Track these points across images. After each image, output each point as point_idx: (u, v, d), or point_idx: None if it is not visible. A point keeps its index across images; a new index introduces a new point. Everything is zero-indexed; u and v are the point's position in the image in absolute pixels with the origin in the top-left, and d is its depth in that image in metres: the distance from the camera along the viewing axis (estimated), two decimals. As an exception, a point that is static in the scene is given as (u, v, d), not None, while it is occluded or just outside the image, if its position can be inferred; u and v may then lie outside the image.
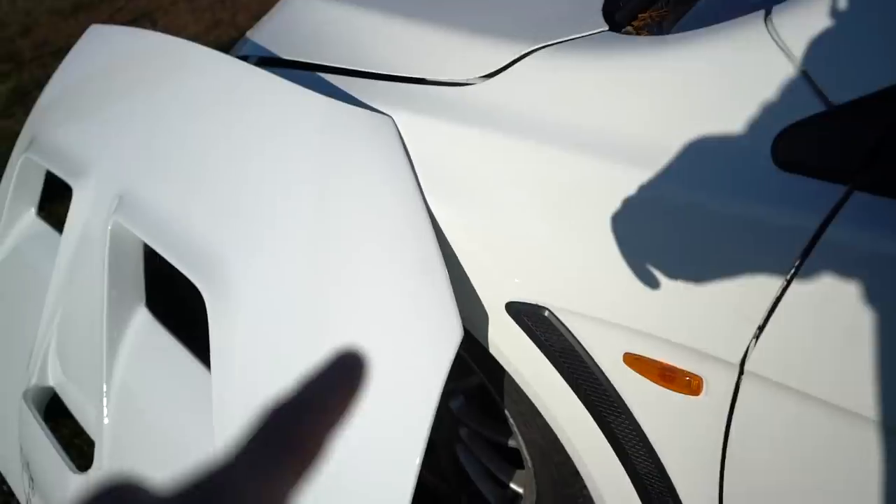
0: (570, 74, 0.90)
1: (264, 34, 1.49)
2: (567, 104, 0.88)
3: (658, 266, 0.82)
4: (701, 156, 0.78)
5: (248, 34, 1.57)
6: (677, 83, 0.81)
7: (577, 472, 1.15)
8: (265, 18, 1.58)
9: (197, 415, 1.17)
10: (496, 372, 1.12)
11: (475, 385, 1.26)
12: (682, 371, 0.84)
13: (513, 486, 1.35)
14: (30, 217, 1.78)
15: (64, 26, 4.63)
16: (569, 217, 0.88)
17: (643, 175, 0.82)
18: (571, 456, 1.06)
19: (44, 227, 1.75)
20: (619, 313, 0.86)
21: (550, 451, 1.14)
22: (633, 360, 0.88)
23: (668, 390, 0.86)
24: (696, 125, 0.78)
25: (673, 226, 0.80)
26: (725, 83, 0.77)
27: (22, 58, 4.36)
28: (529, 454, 1.19)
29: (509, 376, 1.10)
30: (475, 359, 1.14)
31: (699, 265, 0.78)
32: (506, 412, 1.17)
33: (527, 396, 1.07)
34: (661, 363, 0.85)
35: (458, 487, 1.45)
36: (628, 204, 0.83)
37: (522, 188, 0.91)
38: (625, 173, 0.82)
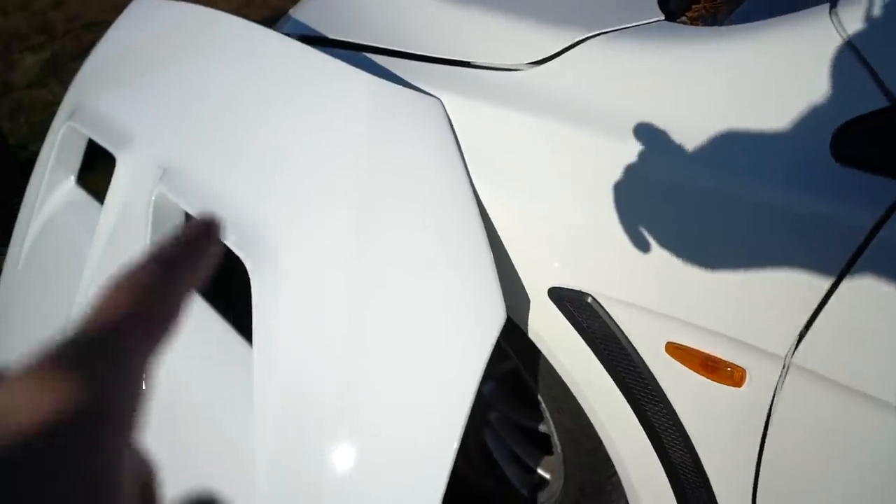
0: (628, 63, 0.90)
1: (307, 12, 1.50)
2: (623, 93, 0.88)
3: (707, 256, 0.82)
4: (758, 147, 0.78)
5: (291, 12, 1.58)
6: (737, 74, 0.81)
7: (606, 459, 1.16)
8: (307, -3, 1.58)
9: (235, 388, 1.19)
10: (531, 357, 1.13)
11: (508, 370, 1.27)
12: (725, 362, 0.84)
13: (540, 471, 1.36)
14: (69, 185, 1.80)
15: (95, 0, 4.66)
16: (617, 204, 0.88)
17: (698, 166, 0.82)
18: (605, 443, 1.06)
19: (83, 196, 1.77)
20: (663, 303, 0.87)
21: (581, 437, 1.15)
22: (675, 350, 0.88)
23: (709, 381, 0.87)
24: (754, 117, 0.78)
25: (725, 216, 0.80)
26: (786, 75, 0.77)
27: (55, 30, 4.40)
28: (560, 440, 1.20)
29: (545, 361, 1.11)
30: (511, 343, 1.14)
31: (750, 256, 0.78)
32: (539, 397, 1.18)
33: (561, 382, 1.08)
34: (703, 353, 0.86)
35: (484, 473, 1.47)
36: (679, 194, 0.83)
37: (571, 174, 0.91)
38: (679, 163, 0.83)
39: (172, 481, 1.06)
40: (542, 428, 1.31)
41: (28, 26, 4.40)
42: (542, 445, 1.38)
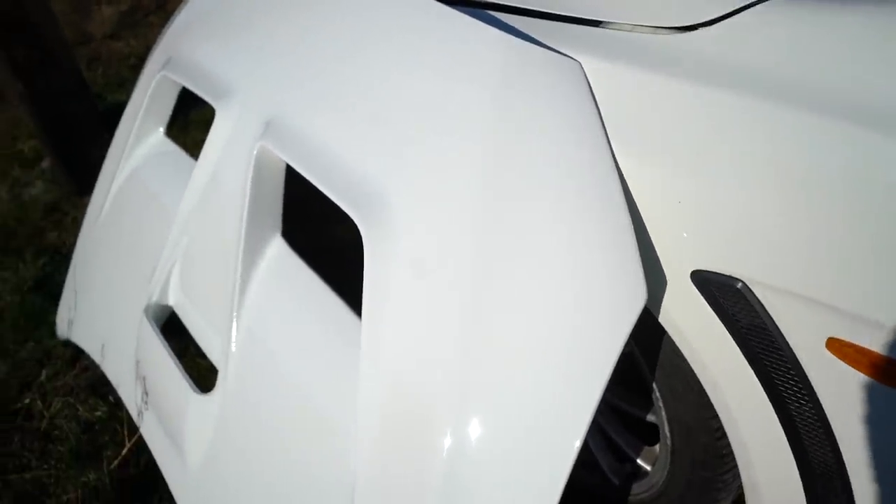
0: (809, 29, 0.81)
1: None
2: (803, 64, 0.80)
3: (889, 246, 0.74)
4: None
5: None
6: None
7: (722, 456, 1.09)
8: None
9: (335, 356, 1.15)
10: (652, 342, 1.06)
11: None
12: (898, 363, 0.77)
13: (640, 461, 1.30)
14: (158, 136, 1.79)
15: (173, -46, 4.65)
16: (784, 182, 0.80)
17: (883, 145, 0.73)
18: (731, 439, 1.00)
19: (172, 147, 1.75)
20: (830, 293, 0.79)
21: (698, 430, 1.08)
22: (837, 346, 0.81)
23: (875, 382, 0.79)
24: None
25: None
26: None
27: (132, -18, 4.40)
28: (671, 431, 1.13)
29: (668, 348, 1.05)
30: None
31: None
32: (653, 385, 1.11)
33: (686, 371, 1.02)
34: (872, 352, 0.78)
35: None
36: (862, 176, 0.75)
37: (731, 148, 0.84)
38: (868, 145, 0.74)
39: (268, 459, 1.03)
40: (649, 417, 1.24)
41: (106, -22, 4.42)
42: (643, 434, 1.32)
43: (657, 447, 1.25)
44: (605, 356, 0.87)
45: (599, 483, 1.35)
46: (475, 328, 0.93)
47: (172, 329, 1.57)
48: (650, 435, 1.29)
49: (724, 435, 1.03)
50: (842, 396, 0.83)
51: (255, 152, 1.27)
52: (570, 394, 0.88)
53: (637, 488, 1.29)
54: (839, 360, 0.81)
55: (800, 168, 0.78)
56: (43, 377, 2.00)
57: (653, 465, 1.26)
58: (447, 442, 0.93)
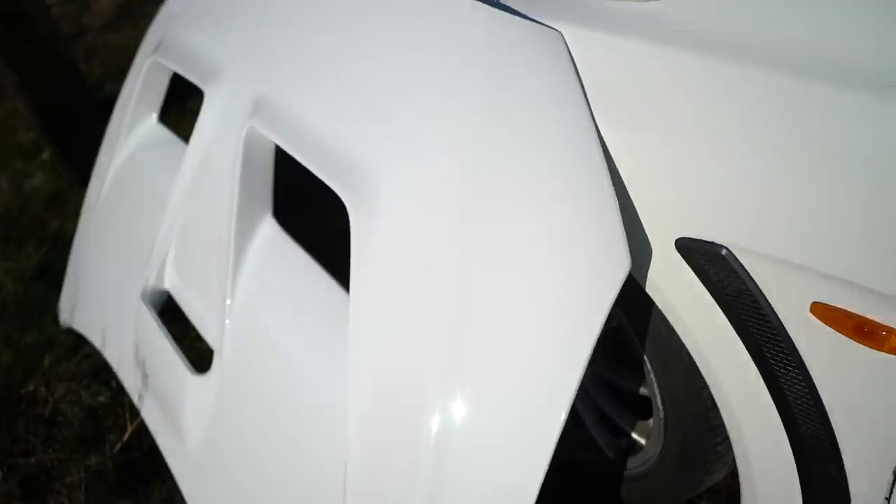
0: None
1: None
2: (778, 23, 0.79)
3: (870, 207, 0.73)
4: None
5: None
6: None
7: (714, 427, 1.09)
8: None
9: (326, 332, 1.16)
10: (640, 313, 1.06)
11: (608, 327, 1.20)
12: (883, 326, 0.76)
13: (634, 435, 1.30)
14: (152, 122, 1.79)
15: (169, -57, 4.62)
16: (766, 147, 0.79)
17: (866, 104, 0.72)
18: (721, 409, 0.99)
19: (166, 133, 1.75)
20: (812, 257, 0.78)
21: (689, 402, 1.08)
22: (822, 310, 0.80)
23: (860, 346, 0.79)
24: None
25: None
26: None
27: (128, -27, 4.39)
28: (663, 404, 1.13)
29: (656, 318, 1.04)
30: (618, 297, 1.07)
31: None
32: (644, 357, 1.11)
33: (674, 342, 1.01)
34: (857, 315, 0.78)
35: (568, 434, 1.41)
36: (845, 136, 0.74)
37: (714, 116, 0.83)
38: (847, 105, 0.73)
39: (263, 437, 1.03)
40: (642, 391, 1.24)
41: (103, -32, 4.41)
42: (637, 408, 1.32)
43: (651, 421, 1.25)
44: (589, 326, 0.86)
45: (595, 459, 1.35)
46: (461, 304, 0.93)
47: (175, 313, 1.58)
48: (644, 409, 1.29)
49: (715, 405, 1.03)
50: (827, 361, 0.83)
51: (243, 133, 1.27)
52: (555, 366, 0.88)
53: (633, 462, 1.29)
54: (823, 324, 0.81)
55: (782, 133, 0.77)
56: (46, 364, 2.01)
57: (647, 438, 1.26)
58: (436, 420, 0.93)
